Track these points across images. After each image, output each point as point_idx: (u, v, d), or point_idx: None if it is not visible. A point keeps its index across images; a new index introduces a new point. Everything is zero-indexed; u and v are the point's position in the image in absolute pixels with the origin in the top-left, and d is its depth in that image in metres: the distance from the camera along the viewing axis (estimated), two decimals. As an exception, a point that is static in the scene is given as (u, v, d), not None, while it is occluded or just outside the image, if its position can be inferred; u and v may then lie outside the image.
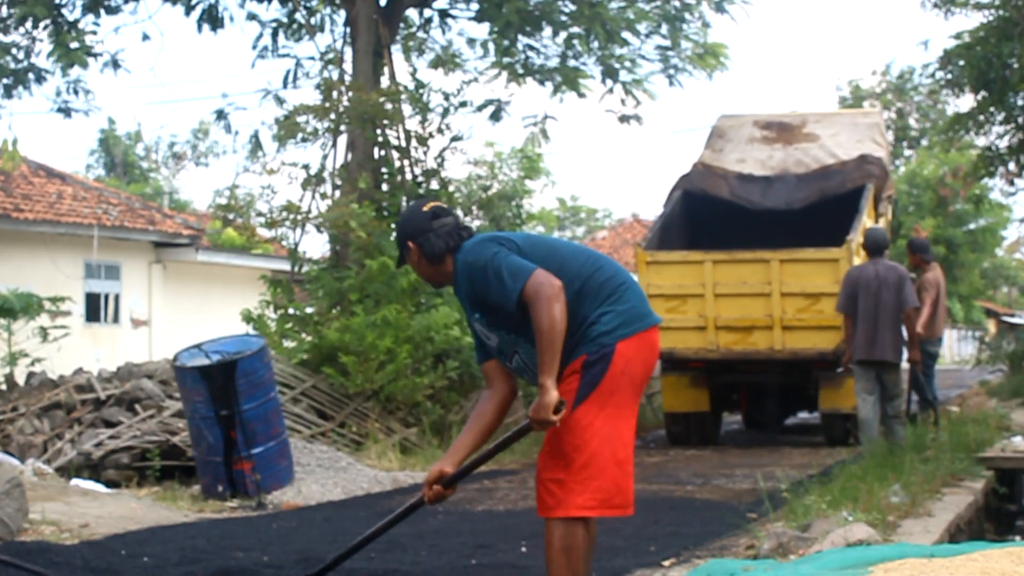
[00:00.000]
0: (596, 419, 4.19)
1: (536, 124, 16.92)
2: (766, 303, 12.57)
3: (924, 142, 39.01)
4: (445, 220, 4.46)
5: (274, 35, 16.27)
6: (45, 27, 14.86)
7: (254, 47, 16.31)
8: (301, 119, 13.87)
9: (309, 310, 13.38)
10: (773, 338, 12.58)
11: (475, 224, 17.71)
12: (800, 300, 12.54)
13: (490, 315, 4.32)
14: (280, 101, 16.01)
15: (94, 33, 15.19)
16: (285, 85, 16.16)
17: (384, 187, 14.22)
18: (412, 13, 16.39)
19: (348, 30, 14.86)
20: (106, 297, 20.49)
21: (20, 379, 12.11)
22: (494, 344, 4.40)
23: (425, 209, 4.51)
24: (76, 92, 15.86)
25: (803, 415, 15.86)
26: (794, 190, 13.92)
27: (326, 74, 15.21)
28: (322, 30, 16.25)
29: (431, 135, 14.29)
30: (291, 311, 13.30)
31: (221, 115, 16.42)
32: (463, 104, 14.48)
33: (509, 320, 4.25)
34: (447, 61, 16.87)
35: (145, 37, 16.01)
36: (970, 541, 6.00)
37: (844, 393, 12.24)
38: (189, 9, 15.62)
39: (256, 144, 16.02)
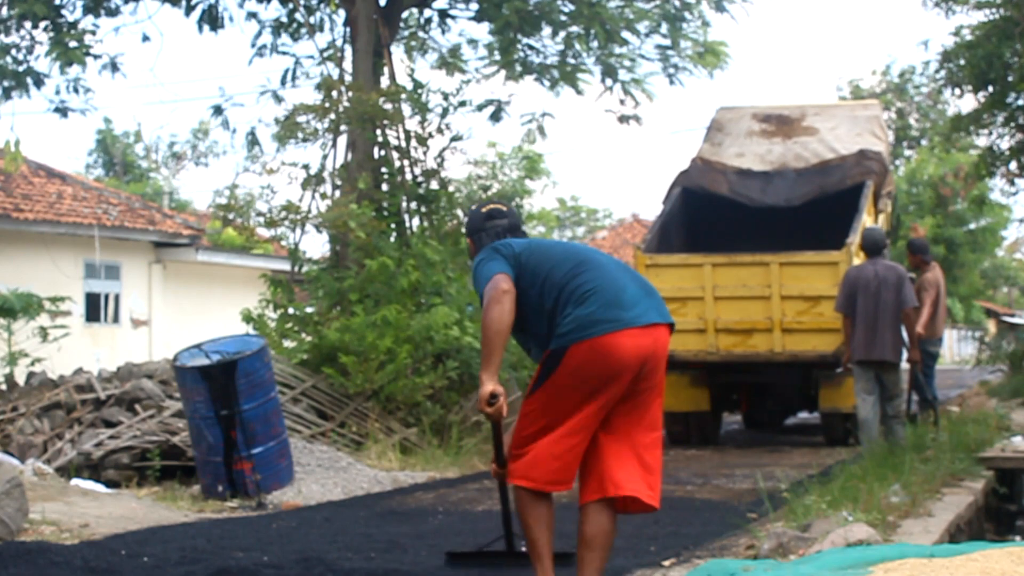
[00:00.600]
0: (536, 408, 4.69)
1: (534, 120, 16.93)
2: (766, 306, 12.56)
3: (924, 142, 39.02)
4: (498, 222, 5.02)
5: (274, 34, 16.28)
6: (45, 28, 14.85)
7: (252, 44, 16.31)
8: (301, 119, 13.87)
9: (309, 310, 13.37)
10: (773, 341, 12.58)
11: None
12: (800, 303, 12.53)
13: None
14: (279, 99, 16.02)
15: (93, 33, 15.18)
16: (283, 84, 16.17)
17: (384, 187, 14.22)
18: (412, 13, 16.39)
19: (348, 30, 14.86)
20: (106, 297, 20.50)
21: (20, 379, 12.11)
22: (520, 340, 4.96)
23: (484, 210, 5.10)
24: (77, 91, 15.85)
25: (803, 415, 15.85)
26: (793, 186, 13.89)
27: (325, 72, 15.22)
28: (322, 30, 16.26)
29: (431, 135, 14.29)
30: (291, 311, 13.30)
31: (219, 111, 16.42)
32: (462, 104, 14.48)
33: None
34: (451, 63, 16.88)
35: (145, 38, 16.01)
36: (970, 541, 6.00)
37: (844, 393, 12.25)
38: (189, 9, 15.61)
39: (253, 141, 16.01)
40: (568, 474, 4.69)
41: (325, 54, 15.41)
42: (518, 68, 16.20)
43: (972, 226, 37.04)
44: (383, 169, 14.19)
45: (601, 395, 4.62)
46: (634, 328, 4.60)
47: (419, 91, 14.21)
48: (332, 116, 13.85)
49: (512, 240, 4.85)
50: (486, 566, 5.86)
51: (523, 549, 5.39)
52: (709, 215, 14.15)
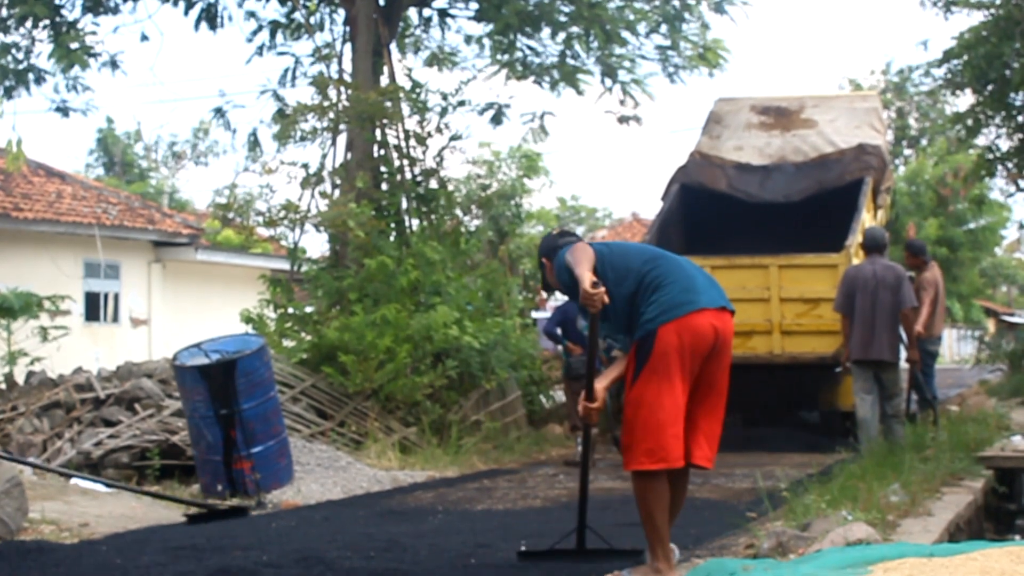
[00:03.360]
0: (644, 392, 5.18)
1: (534, 120, 16.94)
2: (765, 308, 12.55)
3: (924, 141, 38.98)
4: (570, 238, 5.61)
5: (272, 33, 16.27)
6: (45, 27, 14.84)
7: (249, 40, 16.28)
8: (300, 118, 13.87)
9: (308, 309, 13.38)
10: (772, 343, 12.57)
11: (473, 223, 17.74)
12: (799, 305, 12.53)
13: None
14: (279, 99, 15.99)
15: (94, 33, 15.17)
16: (283, 83, 16.13)
17: (383, 186, 14.22)
18: (411, 13, 16.38)
19: (348, 29, 14.86)
20: (105, 296, 20.48)
21: (20, 378, 12.10)
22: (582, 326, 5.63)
23: (555, 232, 5.81)
24: (76, 89, 15.82)
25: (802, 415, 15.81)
26: (792, 182, 13.86)
27: (322, 68, 15.20)
28: (321, 29, 16.26)
29: (430, 135, 14.29)
30: (290, 310, 13.30)
31: (220, 112, 16.39)
32: (461, 103, 14.49)
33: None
34: (443, 59, 16.88)
35: (144, 37, 16.00)
36: (970, 540, 6.00)
37: (843, 392, 12.25)
38: (188, 7, 15.60)
39: (254, 142, 15.99)
40: (681, 448, 5.21)
41: (322, 52, 15.40)
42: (518, 68, 16.20)
43: (972, 225, 37.02)
44: (382, 168, 14.19)
45: (687, 370, 5.22)
46: (708, 309, 5.24)
47: (418, 90, 14.22)
48: (331, 115, 13.85)
49: (597, 245, 5.40)
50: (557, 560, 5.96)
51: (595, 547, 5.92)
52: (708, 212, 14.13)
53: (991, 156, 18.46)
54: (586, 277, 5.06)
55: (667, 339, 5.15)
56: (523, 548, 6.26)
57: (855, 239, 12.22)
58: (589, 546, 5.88)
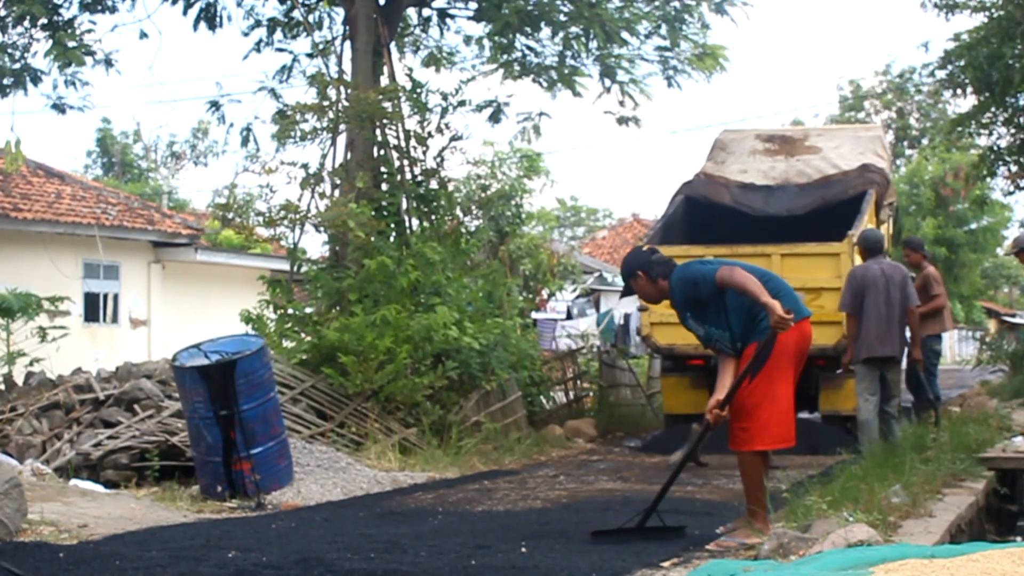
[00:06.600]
0: (761, 385, 6.33)
1: (530, 120, 16.92)
2: None
3: (925, 141, 38.99)
4: (659, 256, 6.78)
5: (270, 30, 16.24)
6: (43, 26, 14.81)
7: (245, 34, 16.23)
8: (299, 118, 13.84)
9: (308, 310, 13.36)
10: None
11: (474, 223, 17.74)
12: (801, 295, 12.48)
13: (698, 312, 6.58)
14: (276, 96, 15.96)
15: (91, 31, 15.14)
16: (279, 79, 16.08)
17: (383, 187, 14.20)
18: (411, 12, 16.36)
19: (347, 28, 14.84)
20: (105, 297, 20.47)
21: (19, 379, 12.08)
22: (701, 333, 6.65)
23: (645, 248, 7.02)
24: (74, 84, 15.76)
25: (804, 415, 15.81)
26: (796, 199, 13.97)
27: (319, 66, 15.17)
28: (320, 28, 16.24)
29: (430, 135, 14.27)
30: (290, 311, 13.28)
31: (215, 105, 16.34)
32: (461, 103, 14.47)
33: (708, 314, 6.53)
34: (440, 59, 16.86)
35: (143, 35, 15.95)
36: (971, 542, 5.98)
37: (844, 394, 12.22)
38: (188, 6, 15.57)
39: (248, 136, 15.92)
40: (793, 429, 6.50)
41: (319, 48, 15.37)
42: (516, 68, 16.19)
43: (973, 226, 37.03)
44: (382, 168, 14.17)
45: (795, 367, 6.49)
46: (806, 318, 6.53)
47: (418, 90, 14.19)
48: (330, 115, 13.83)
49: (706, 260, 6.67)
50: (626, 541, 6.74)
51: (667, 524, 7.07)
52: (711, 222, 14.18)
53: (991, 156, 18.45)
54: (776, 305, 6.12)
55: (785, 342, 6.29)
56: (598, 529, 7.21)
57: (858, 232, 12.22)
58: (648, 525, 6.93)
